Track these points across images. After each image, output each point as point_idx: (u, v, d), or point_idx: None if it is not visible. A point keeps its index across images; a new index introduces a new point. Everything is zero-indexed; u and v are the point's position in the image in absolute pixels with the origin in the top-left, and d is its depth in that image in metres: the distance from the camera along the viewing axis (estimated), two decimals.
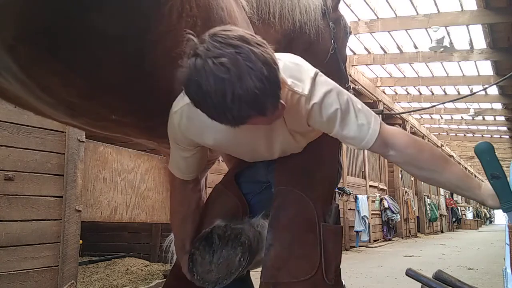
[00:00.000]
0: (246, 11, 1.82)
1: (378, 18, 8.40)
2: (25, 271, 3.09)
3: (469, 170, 28.90)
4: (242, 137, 1.49)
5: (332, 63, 2.48)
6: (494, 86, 11.58)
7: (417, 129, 15.98)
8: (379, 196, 11.08)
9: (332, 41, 2.49)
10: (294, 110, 1.37)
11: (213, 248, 1.57)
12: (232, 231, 1.56)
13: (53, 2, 1.15)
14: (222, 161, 4.35)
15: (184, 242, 1.74)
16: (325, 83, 1.39)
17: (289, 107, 1.31)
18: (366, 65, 10.77)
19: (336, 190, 2.15)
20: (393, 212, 11.24)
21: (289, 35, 2.19)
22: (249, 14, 1.84)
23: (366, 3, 7.94)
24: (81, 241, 3.65)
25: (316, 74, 1.38)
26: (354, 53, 9.99)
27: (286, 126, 1.46)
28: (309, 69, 1.40)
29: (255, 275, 1.65)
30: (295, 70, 1.38)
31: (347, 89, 2.54)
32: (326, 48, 2.47)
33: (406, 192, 13.34)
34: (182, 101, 1.41)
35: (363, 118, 1.40)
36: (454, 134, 19.85)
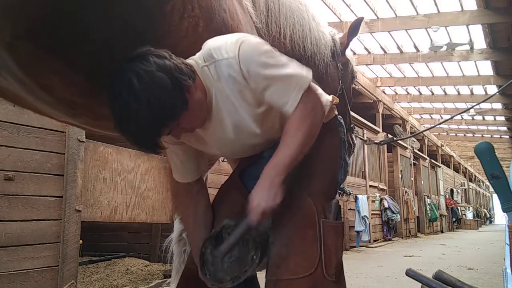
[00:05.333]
0: (251, 15, 1.82)
1: (378, 18, 8.40)
2: (25, 271, 3.09)
3: (469, 170, 28.93)
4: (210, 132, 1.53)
5: (339, 103, 2.55)
6: (495, 86, 11.58)
7: (417, 129, 15.97)
8: (379, 196, 11.07)
9: (340, 81, 2.57)
10: (232, 76, 1.39)
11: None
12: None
13: (54, 1, 1.15)
14: (223, 161, 4.36)
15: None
16: (253, 44, 1.40)
17: (225, 76, 1.39)
18: (366, 65, 10.77)
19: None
20: (393, 212, 11.23)
21: (299, 60, 2.23)
22: (254, 19, 1.85)
23: (366, 3, 7.95)
24: (81, 241, 3.64)
25: (242, 38, 1.40)
26: (354, 53, 10.00)
27: (234, 104, 1.45)
28: (234, 38, 1.41)
29: (261, 275, 1.65)
30: (218, 42, 1.40)
31: (351, 129, 2.61)
32: (334, 87, 2.54)
33: (406, 192, 13.32)
34: None
35: (291, 81, 1.41)
36: (454, 134, 19.86)
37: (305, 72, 1.46)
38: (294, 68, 1.44)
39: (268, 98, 1.43)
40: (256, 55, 1.38)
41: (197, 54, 1.44)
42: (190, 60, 1.41)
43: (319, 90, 1.52)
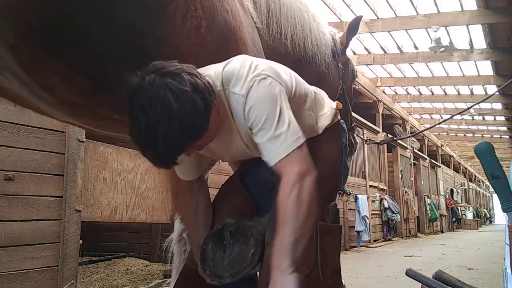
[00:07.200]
0: (252, 16, 1.83)
1: (378, 18, 8.40)
2: (25, 271, 3.09)
3: (469, 170, 28.92)
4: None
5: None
6: (495, 86, 11.58)
7: (417, 129, 15.97)
8: (379, 196, 11.07)
9: (341, 81, 2.58)
10: (238, 110, 1.39)
11: (225, 244, 1.59)
12: (244, 228, 1.57)
13: (55, 1, 1.15)
14: (223, 161, 4.35)
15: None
16: (265, 87, 1.36)
17: (233, 107, 1.39)
18: (366, 65, 10.77)
19: None
20: (393, 212, 11.23)
21: (300, 60, 2.25)
22: (255, 19, 1.85)
23: (366, 3, 7.94)
24: (81, 241, 3.65)
25: (259, 76, 1.37)
26: (354, 53, 10.00)
27: (236, 128, 1.46)
28: (253, 72, 1.38)
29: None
30: (240, 71, 1.38)
31: (352, 128, 2.61)
32: (335, 86, 2.55)
33: (406, 192, 13.32)
34: None
35: (282, 137, 1.34)
36: (454, 134, 19.86)
37: (296, 137, 1.37)
38: (289, 128, 1.36)
39: (256, 141, 1.40)
40: (260, 101, 1.35)
41: (217, 71, 1.41)
42: (208, 78, 1.38)
43: (308, 159, 1.40)
